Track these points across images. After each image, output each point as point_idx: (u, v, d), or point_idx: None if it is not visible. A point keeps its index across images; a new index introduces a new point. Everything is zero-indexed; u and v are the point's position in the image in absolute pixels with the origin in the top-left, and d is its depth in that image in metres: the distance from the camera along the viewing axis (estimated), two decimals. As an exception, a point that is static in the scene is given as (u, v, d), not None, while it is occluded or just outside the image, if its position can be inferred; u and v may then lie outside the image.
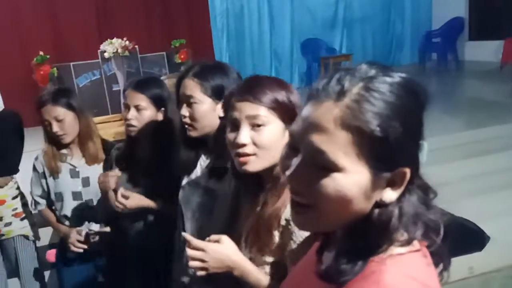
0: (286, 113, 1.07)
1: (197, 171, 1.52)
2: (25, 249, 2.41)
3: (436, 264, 0.66)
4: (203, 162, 1.51)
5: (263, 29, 8.07)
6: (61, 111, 2.04)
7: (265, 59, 8.13)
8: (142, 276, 1.82)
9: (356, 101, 0.60)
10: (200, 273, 1.07)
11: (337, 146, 0.60)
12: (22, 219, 2.39)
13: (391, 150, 0.60)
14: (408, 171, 0.62)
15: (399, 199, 0.63)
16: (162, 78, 2.96)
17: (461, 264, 2.54)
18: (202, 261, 1.05)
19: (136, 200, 1.79)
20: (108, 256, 2.12)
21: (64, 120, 2.05)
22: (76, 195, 2.16)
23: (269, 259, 1.07)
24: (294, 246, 1.02)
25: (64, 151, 2.16)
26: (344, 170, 0.60)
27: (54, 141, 2.12)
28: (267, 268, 1.07)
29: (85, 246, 2.07)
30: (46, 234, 2.86)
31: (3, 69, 6.22)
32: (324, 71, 7.05)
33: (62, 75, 6.24)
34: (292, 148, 0.66)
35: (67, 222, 2.19)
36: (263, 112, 1.05)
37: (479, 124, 4.22)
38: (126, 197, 1.77)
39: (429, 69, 8.07)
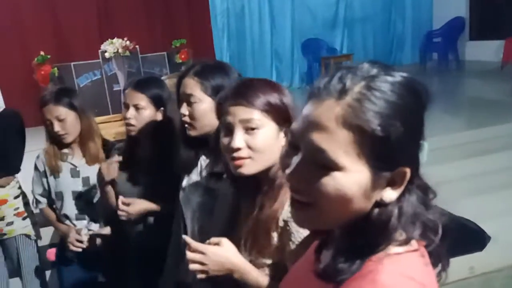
0: (280, 115, 1.08)
1: (197, 171, 1.52)
2: (26, 248, 2.41)
3: (434, 264, 0.66)
4: (203, 162, 1.51)
5: (263, 29, 8.07)
6: (62, 111, 2.05)
7: (266, 59, 8.13)
8: (142, 276, 1.82)
9: (357, 99, 0.60)
10: (200, 276, 1.07)
11: (338, 144, 0.60)
12: (24, 219, 2.39)
13: (392, 149, 0.60)
14: (408, 170, 0.62)
15: (399, 198, 0.63)
16: (162, 78, 2.96)
17: (462, 264, 2.54)
18: (202, 264, 1.05)
19: (138, 205, 1.80)
20: (108, 256, 2.12)
21: (66, 120, 2.06)
22: (76, 195, 2.17)
23: (269, 261, 1.07)
24: (293, 247, 1.02)
25: (65, 150, 2.17)
26: (344, 169, 0.60)
27: (56, 141, 2.13)
28: (267, 270, 1.07)
29: (84, 246, 2.07)
30: (47, 234, 2.86)
31: (4, 69, 6.22)
32: (325, 71, 7.05)
33: (63, 75, 6.24)
34: (293, 146, 0.66)
35: (67, 221, 2.20)
36: (256, 116, 1.05)
37: (480, 123, 4.22)
38: (127, 204, 1.77)
39: (430, 69, 8.06)
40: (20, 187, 2.43)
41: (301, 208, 0.65)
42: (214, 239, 1.08)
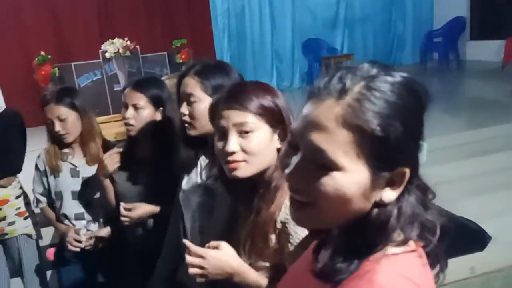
0: (273, 117, 1.08)
1: (197, 171, 1.52)
2: (28, 248, 2.41)
3: (432, 265, 0.66)
4: (203, 162, 1.51)
5: (264, 29, 8.07)
6: (64, 111, 2.06)
7: (266, 59, 8.13)
8: (142, 276, 1.82)
9: (357, 100, 0.60)
10: (200, 280, 1.07)
11: (337, 144, 0.60)
12: (25, 218, 2.40)
13: (391, 149, 0.60)
14: (407, 171, 0.62)
15: (398, 199, 0.63)
16: (163, 78, 2.96)
17: (462, 264, 2.54)
18: (202, 268, 1.05)
19: (139, 210, 1.80)
20: (107, 256, 2.12)
21: (67, 120, 2.07)
22: (75, 195, 2.17)
23: (268, 263, 1.07)
24: (291, 248, 1.02)
25: (66, 150, 2.17)
26: (343, 169, 0.60)
27: (57, 140, 2.13)
28: (267, 272, 1.07)
29: (82, 246, 2.08)
30: (48, 234, 2.86)
31: (4, 69, 6.23)
32: (325, 71, 7.05)
33: (63, 75, 6.24)
34: (292, 146, 0.66)
35: (66, 221, 2.20)
36: (250, 119, 1.05)
37: (480, 124, 4.22)
38: (128, 210, 1.78)
39: (431, 69, 8.05)
40: (21, 187, 2.43)
41: (300, 208, 0.65)
42: (213, 243, 1.08)
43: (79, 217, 2.19)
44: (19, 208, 2.37)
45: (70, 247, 2.09)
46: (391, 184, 0.62)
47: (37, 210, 2.42)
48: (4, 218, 2.32)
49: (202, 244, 1.10)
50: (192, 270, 1.06)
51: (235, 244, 1.09)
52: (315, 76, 7.62)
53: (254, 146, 1.06)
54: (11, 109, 2.47)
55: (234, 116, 1.06)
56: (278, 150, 1.09)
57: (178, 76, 1.50)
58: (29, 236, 2.41)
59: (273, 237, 1.06)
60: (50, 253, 2.44)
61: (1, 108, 2.46)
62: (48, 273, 2.69)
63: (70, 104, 2.08)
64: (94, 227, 2.20)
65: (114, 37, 5.81)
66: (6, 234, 2.36)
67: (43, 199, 2.26)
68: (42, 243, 2.57)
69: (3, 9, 6.47)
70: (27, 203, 2.42)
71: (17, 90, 5.91)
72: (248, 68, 7.89)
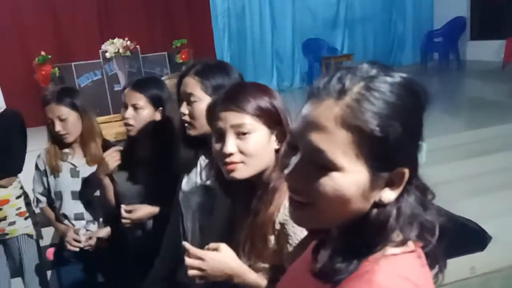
0: (271, 118, 1.08)
1: (197, 171, 1.52)
2: (28, 248, 2.41)
3: (431, 266, 0.66)
4: (202, 161, 1.51)
5: (264, 29, 8.07)
6: (64, 111, 2.06)
7: (267, 59, 8.13)
8: (141, 276, 1.82)
9: (356, 100, 0.60)
10: (199, 281, 1.08)
11: (336, 145, 0.60)
12: (26, 218, 2.40)
13: (390, 150, 0.60)
14: (407, 171, 0.62)
15: (398, 199, 0.63)
16: (163, 78, 2.97)
17: (462, 264, 2.54)
18: (201, 269, 1.05)
19: (140, 211, 1.81)
20: (108, 256, 2.12)
21: (67, 120, 2.07)
22: (75, 195, 2.17)
23: (268, 264, 1.07)
24: (290, 249, 1.02)
25: (66, 150, 2.18)
26: (342, 170, 0.60)
27: (57, 140, 2.14)
28: (267, 274, 1.07)
29: (82, 246, 2.08)
30: (48, 234, 2.86)
31: (5, 69, 6.23)
32: (325, 71, 7.05)
33: (63, 75, 6.25)
34: (291, 146, 0.66)
35: (65, 221, 2.20)
36: (247, 120, 1.06)
37: (480, 124, 4.22)
38: (129, 211, 1.78)
39: (431, 69, 8.05)
40: (22, 187, 2.43)
41: (299, 208, 0.65)
42: (212, 245, 1.08)
43: (78, 217, 2.19)
44: (19, 208, 2.37)
45: (69, 247, 2.09)
46: (390, 184, 0.62)
47: (37, 210, 2.42)
48: (4, 218, 2.32)
49: (202, 244, 1.11)
50: (191, 272, 1.06)
51: (235, 245, 1.09)
52: (315, 76, 7.62)
53: (251, 147, 1.06)
54: (11, 109, 2.47)
55: (232, 117, 1.06)
56: (276, 151, 1.09)
57: (178, 76, 1.50)
58: (30, 236, 2.41)
59: (272, 238, 1.06)
60: (50, 253, 2.45)
61: (2, 108, 2.46)
62: (49, 273, 2.69)
63: (71, 104, 2.08)
64: (93, 227, 2.20)
65: (114, 37, 5.82)
66: (7, 234, 2.36)
67: (43, 199, 2.27)
68: (42, 243, 2.57)
69: (3, 9, 6.47)
70: (28, 203, 2.42)
71: (17, 90, 5.91)
72: (249, 68, 7.89)
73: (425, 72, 7.80)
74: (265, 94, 1.10)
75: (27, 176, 2.36)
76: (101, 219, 2.21)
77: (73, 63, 6.32)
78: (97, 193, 2.12)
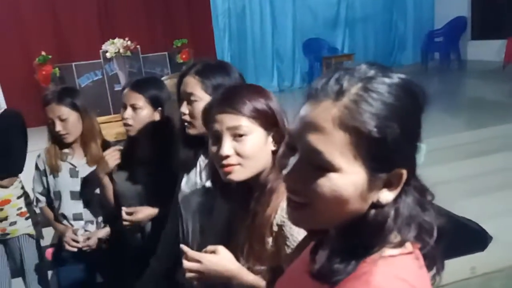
0: (267, 120, 1.08)
1: (197, 171, 1.52)
2: (29, 248, 2.42)
3: (429, 267, 0.66)
4: (202, 161, 1.51)
5: (265, 29, 8.07)
6: (65, 111, 2.06)
7: (267, 59, 8.13)
8: (140, 276, 1.82)
9: (354, 101, 0.60)
10: (197, 284, 1.08)
11: (334, 146, 0.60)
12: (26, 218, 2.40)
13: (388, 151, 0.60)
14: (404, 172, 0.62)
15: (396, 200, 0.63)
16: (163, 78, 2.97)
17: (463, 264, 2.54)
18: (199, 272, 1.05)
19: (141, 213, 1.81)
20: (107, 256, 2.13)
21: (68, 120, 2.07)
22: (74, 195, 2.17)
23: (267, 266, 1.07)
24: (288, 251, 1.02)
25: (66, 150, 2.18)
26: (340, 170, 0.60)
27: (57, 140, 2.14)
28: (266, 276, 1.07)
29: (80, 246, 2.08)
30: (49, 234, 2.87)
31: (5, 69, 6.23)
32: (326, 71, 7.05)
33: (64, 75, 6.26)
34: (290, 147, 0.66)
35: (64, 221, 2.20)
36: (244, 122, 1.05)
37: (480, 124, 4.22)
38: (130, 213, 1.78)
39: (432, 69, 8.05)
40: (23, 187, 2.44)
41: (297, 208, 0.65)
42: (210, 247, 1.08)
43: (77, 217, 2.19)
44: (20, 208, 2.38)
45: (67, 247, 2.09)
46: (388, 185, 0.62)
47: (37, 210, 2.42)
48: (5, 218, 2.33)
49: (202, 244, 1.10)
50: (189, 275, 1.06)
51: (234, 247, 1.09)
52: (316, 76, 7.50)
53: (248, 149, 1.06)
54: (12, 109, 2.47)
55: (228, 119, 1.06)
56: (273, 152, 1.09)
57: (179, 76, 1.51)
58: (31, 236, 2.42)
59: (270, 240, 1.06)
60: (49, 253, 2.45)
61: (2, 108, 2.47)
62: (50, 273, 2.69)
63: (71, 104, 2.08)
64: (92, 227, 2.20)
65: (114, 37, 5.83)
66: (8, 234, 2.36)
67: (43, 199, 2.27)
68: (43, 243, 2.58)
69: (3, 9, 6.48)
70: (29, 203, 2.42)
71: (18, 90, 5.92)
72: (249, 68, 7.89)
73: (425, 72, 7.80)
74: (261, 95, 1.10)
75: (27, 176, 2.36)
76: (100, 219, 2.22)
77: (73, 63, 6.33)
78: (96, 193, 2.12)
